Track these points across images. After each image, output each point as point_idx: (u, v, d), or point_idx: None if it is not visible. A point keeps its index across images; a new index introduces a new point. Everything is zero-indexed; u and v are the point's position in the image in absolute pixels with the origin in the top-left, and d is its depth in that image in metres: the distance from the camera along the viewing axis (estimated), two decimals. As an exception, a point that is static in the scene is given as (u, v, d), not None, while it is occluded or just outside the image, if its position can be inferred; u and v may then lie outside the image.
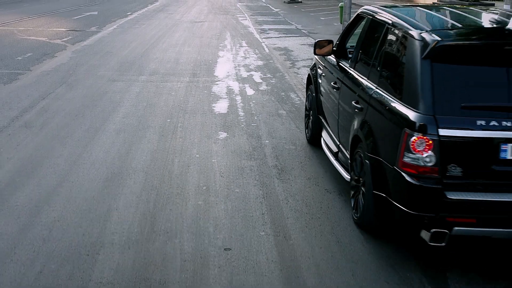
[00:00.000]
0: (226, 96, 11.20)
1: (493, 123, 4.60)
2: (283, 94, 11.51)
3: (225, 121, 9.41)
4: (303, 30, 23.85)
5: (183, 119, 9.47)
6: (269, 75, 13.46)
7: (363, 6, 7.24)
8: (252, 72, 13.81)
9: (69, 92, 11.24)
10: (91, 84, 12.00)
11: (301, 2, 43.22)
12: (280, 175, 7.06)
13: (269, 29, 23.87)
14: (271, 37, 21.16)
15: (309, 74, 8.52)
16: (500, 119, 4.61)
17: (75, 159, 7.45)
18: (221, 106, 10.37)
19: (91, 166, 7.21)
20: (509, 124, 4.60)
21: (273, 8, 37.60)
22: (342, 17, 23.11)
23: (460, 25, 5.70)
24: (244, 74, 13.61)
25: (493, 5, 28.95)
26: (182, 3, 40.46)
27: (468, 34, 5.45)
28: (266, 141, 8.39)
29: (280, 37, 21.33)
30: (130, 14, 29.11)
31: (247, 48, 18.19)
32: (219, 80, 12.77)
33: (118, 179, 6.82)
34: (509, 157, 4.62)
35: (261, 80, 12.85)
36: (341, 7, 23.29)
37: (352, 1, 24.35)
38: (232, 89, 11.92)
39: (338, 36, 7.65)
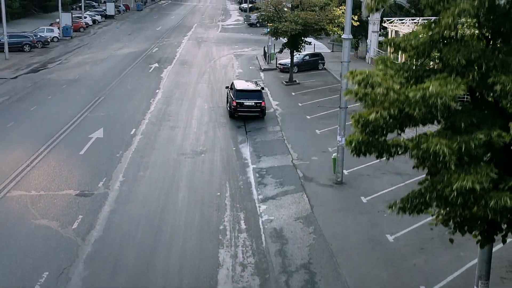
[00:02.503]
0: None
1: (244, 100, 33.55)
2: None
3: None
4: (298, 172, 25.31)
5: None
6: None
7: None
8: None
9: None
10: None
11: (299, 83, 44.60)
12: None
13: (267, 178, 25.17)
14: (268, 199, 22.56)
15: (226, 92, 37.81)
16: (245, 100, 33.64)
17: None
18: None
19: None
20: (246, 100, 33.64)
21: (271, 100, 38.91)
22: (336, 168, 24.54)
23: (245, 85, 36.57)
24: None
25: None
26: (183, 89, 41.78)
27: (243, 87, 35.27)
28: None
29: (277, 198, 22.70)
30: (134, 135, 30.43)
31: (245, 236, 19.60)
32: None
33: None
34: (246, 104, 33.57)
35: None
36: (334, 159, 24.68)
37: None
38: None
39: None
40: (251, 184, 24.27)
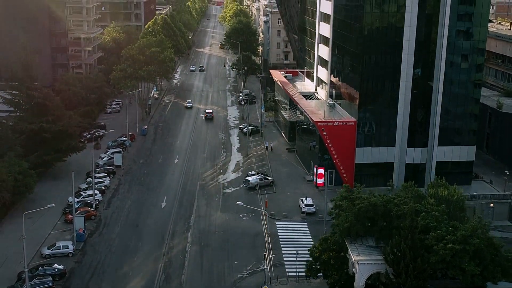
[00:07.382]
0: None
1: (207, 114, 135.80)
2: None
3: None
4: None
5: None
6: None
7: None
8: None
9: None
10: None
11: None
12: None
13: None
14: None
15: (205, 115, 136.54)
16: (207, 114, 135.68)
17: None
18: None
19: None
20: (208, 114, 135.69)
21: None
22: None
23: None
24: None
25: None
26: None
27: (208, 111, 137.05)
28: None
29: None
30: None
31: None
32: None
33: None
34: (208, 116, 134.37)
35: None
36: None
37: None
38: None
39: None
40: None
